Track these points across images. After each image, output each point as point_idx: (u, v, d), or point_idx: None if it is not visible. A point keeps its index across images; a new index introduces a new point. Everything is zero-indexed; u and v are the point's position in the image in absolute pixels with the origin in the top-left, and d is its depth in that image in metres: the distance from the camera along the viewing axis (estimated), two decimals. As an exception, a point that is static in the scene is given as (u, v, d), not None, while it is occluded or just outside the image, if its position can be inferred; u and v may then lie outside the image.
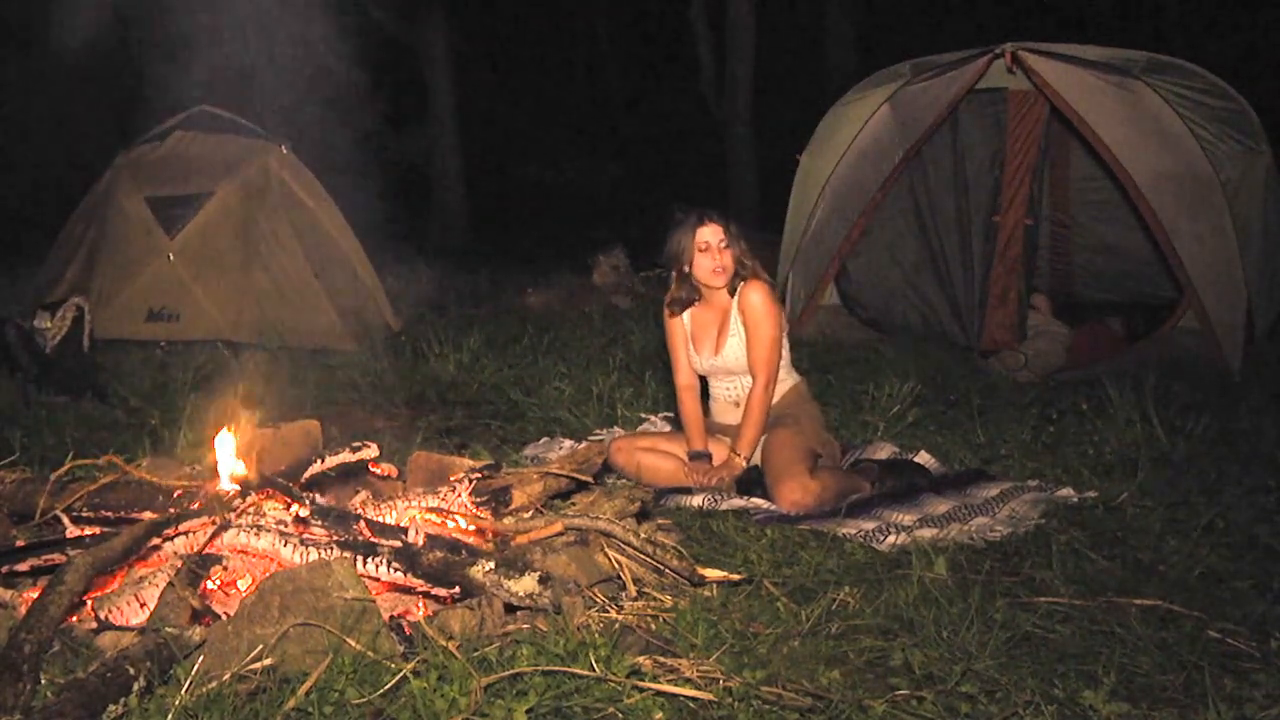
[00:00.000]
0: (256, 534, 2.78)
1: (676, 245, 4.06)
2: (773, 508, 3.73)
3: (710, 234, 4.01)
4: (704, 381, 4.26)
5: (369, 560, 2.66)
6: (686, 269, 4.08)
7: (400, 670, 2.25)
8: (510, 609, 2.63)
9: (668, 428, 4.78)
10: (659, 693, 2.26)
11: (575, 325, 7.55)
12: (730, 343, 4.07)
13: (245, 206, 6.88)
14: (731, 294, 4.06)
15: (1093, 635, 2.66)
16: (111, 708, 2.10)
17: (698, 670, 2.36)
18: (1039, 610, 2.78)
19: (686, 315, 4.21)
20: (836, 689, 2.36)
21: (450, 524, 3.05)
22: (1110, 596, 2.89)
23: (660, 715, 2.22)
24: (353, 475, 3.43)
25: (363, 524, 2.89)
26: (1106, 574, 3.06)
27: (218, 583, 2.77)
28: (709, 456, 4.12)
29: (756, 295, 3.99)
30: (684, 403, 4.21)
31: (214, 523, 2.79)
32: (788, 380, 4.16)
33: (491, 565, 2.62)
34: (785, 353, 4.14)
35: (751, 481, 3.92)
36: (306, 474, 3.21)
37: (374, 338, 6.85)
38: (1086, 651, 2.57)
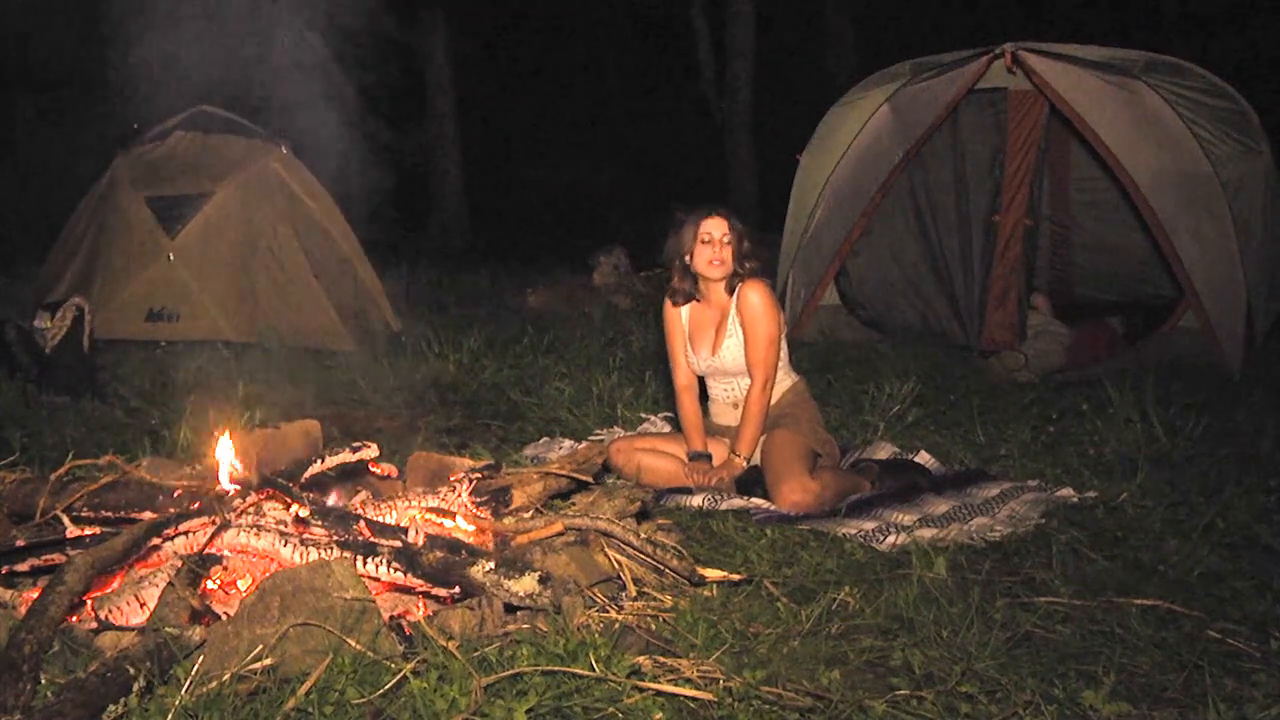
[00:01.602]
0: (256, 534, 2.78)
1: (680, 235, 4.07)
2: (773, 508, 3.73)
3: (714, 226, 4.01)
4: (702, 384, 4.26)
5: (369, 560, 2.66)
6: (687, 259, 4.08)
7: (400, 670, 2.24)
8: (510, 609, 2.63)
9: (668, 428, 4.78)
10: (659, 693, 2.26)
11: (575, 325, 7.55)
12: (728, 343, 4.07)
13: (245, 206, 6.87)
14: (729, 293, 4.06)
15: (1093, 635, 2.66)
16: (111, 708, 2.10)
17: (698, 670, 2.36)
18: (1039, 610, 2.78)
19: (685, 312, 4.21)
20: (836, 689, 2.36)
21: (450, 524, 3.05)
22: (1110, 596, 2.88)
23: (660, 715, 2.22)
24: (353, 475, 3.43)
25: (363, 524, 2.89)
26: (1106, 574, 3.06)
27: (218, 583, 2.77)
28: (709, 457, 4.11)
29: (754, 294, 3.99)
30: (683, 404, 4.21)
31: (214, 523, 2.80)
32: (786, 380, 4.15)
33: (491, 565, 2.62)
34: (784, 353, 4.14)
35: (751, 481, 3.92)
36: (306, 474, 3.21)
37: (374, 338, 6.85)
38: (1086, 651, 2.57)
